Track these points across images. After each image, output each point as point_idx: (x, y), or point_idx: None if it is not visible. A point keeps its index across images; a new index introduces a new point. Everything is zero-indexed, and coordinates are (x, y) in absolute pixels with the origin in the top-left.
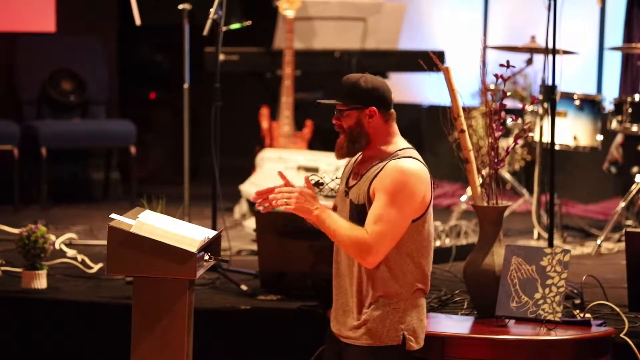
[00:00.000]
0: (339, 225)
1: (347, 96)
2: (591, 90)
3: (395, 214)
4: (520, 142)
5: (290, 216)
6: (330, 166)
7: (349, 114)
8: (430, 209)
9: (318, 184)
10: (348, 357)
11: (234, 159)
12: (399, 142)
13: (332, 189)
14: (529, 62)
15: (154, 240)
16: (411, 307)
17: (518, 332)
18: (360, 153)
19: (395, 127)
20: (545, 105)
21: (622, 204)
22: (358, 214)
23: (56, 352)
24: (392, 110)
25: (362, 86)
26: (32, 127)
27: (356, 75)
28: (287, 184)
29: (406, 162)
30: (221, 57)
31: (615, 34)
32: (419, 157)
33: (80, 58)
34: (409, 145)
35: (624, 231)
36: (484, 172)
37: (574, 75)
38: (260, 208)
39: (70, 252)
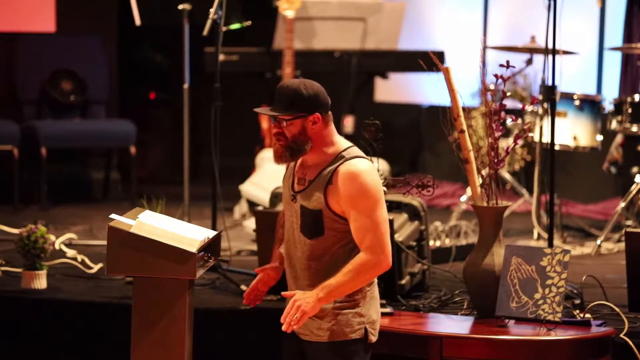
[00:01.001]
0: (340, 282)
1: (290, 105)
2: (591, 90)
3: (375, 215)
4: (520, 142)
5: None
6: None
7: (292, 122)
8: None
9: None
10: (311, 355)
11: (234, 159)
12: (339, 141)
13: None
14: (529, 62)
15: (154, 240)
16: (369, 299)
17: (518, 332)
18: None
19: (333, 128)
20: (545, 105)
21: (622, 204)
22: (314, 219)
23: (56, 352)
24: (330, 112)
25: (304, 93)
26: (32, 127)
27: (295, 82)
28: (254, 287)
29: (358, 164)
30: (221, 57)
31: (615, 34)
32: (362, 153)
33: (80, 58)
34: (349, 143)
35: (624, 231)
36: (484, 172)
37: (574, 76)
38: (248, 306)
39: (70, 252)
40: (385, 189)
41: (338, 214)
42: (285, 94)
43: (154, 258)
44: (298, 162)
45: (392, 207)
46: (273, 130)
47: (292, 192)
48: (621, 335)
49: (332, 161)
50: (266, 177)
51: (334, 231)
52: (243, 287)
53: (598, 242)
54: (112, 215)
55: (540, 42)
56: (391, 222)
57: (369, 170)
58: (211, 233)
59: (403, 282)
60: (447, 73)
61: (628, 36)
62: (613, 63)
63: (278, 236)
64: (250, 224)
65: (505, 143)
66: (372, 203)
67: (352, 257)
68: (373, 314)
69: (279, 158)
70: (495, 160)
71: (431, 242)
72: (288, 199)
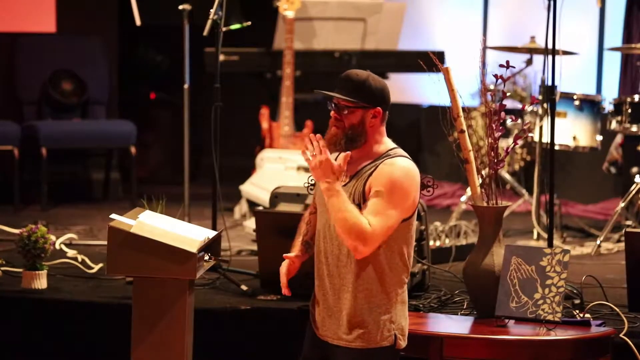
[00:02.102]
0: (345, 205)
1: (355, 92)
2: (591, 90)
3: (391, 211)
4: (520, 142)
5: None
6: None
7: (354, 111)
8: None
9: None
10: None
11: (234, 159)
12: (388, 142)
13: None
14: (529, 62)
15: (154, 240)
16: (400, 304)
17: (518, 332)
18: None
19: (384, 128)
20: (545, 105)
21: (622, 204)
22: None
23: (56, 352)
24: (387, 112)
25: (372, 85)
26: (32, 127)
27: (363, 73)
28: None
29: (402, 162)
30: (221, 57)
31: (614, 35)
32: (407, 154)
33: (80, 58)
34: (397, 146)
35: (623, 231)
36: (484, 172)
37: (574, 76)
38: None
39: (71, 252)
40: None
41: None
42: (352, 80)
43: (154, 258)
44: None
45: None
46: (332, 116)
47: None
48: (621, 335)
49: (377, 159)
50: (266, 178)
51: None
52: (243, 287)
53: (598, 242)
54: (113, 216)
55: (540, 43)
56: None
57: (410, 172)
58: (211, 233)
59: None
60: (447, 73)
61: (628, 36)
62: (613, 63)
63: (301, 231)
64: (250, 224)
65: (505, 143)
66: (397, 200)
67: (391, 261)
68: (402, 319)
69: (333, 145)
70: (495, 161)
71: (431, 242)
72: (323, 199)
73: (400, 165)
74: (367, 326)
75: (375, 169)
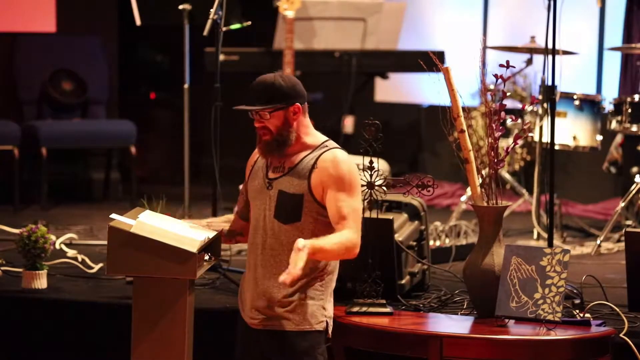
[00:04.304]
0: (328, 249)
1: (269, 98)
2: (591, 90)
3: (355, 202)
4: (520, 142)
5: None
6: None
7: (274, 115)
8: None
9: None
10: (274, 345)
11: (234, 159)
12: (317, 133)
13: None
14: (529, 62)
15: (154, 240)
16: (329, 295)
17: (518, 332)
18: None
19: (309, 120)
20: (545, 105)
21: (622, 204)
22: (293, 204)
23: (56, 352)
24: (306, 103)
25: (283, 85)
26: (32, 127)
27: (270, 76)
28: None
29: (341, 153)
30: (221, 57)
31: (615, 34)
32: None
33: (80, 58)
34: (328, 138)
35: (623, 231)
36: (484, 172)
37: (574, 76)
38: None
39: (71, 252)
40: (385, 188)
41: (318, 200)
42: (262, 88)
43: (154, 258)
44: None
45: (392, 207)
46: (257, 125)
47: (268, 179)
48: (621, 335)
49: (314, 149)
50: None
51: (311, 218)
52: None
53: (598, 242)
54: (113, 215)
55: (540, 42)
56: (391, 222)
57: (349, 160)
58: (211, 233)
59: (403, 282)
60: (447, 73)
61: (628, 36)
62: (613, 63)
63: (227, 220)
64: None
65: (505, 143)
66: (355, 189)
67: None
68: (331, 309)
69: (267, 152)
70: (495, 160)
71: (431, 242)
72: (260, 188)
73: (342, 157)
74: (301, 311)
75: (315, 161)
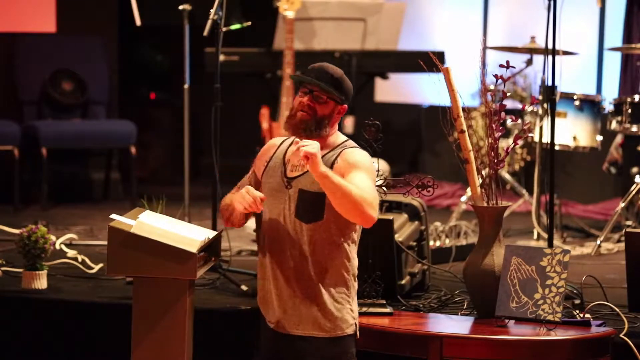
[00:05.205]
0: (344, 185)
1: (333, 85)
2: (591, 90)
3: (372, 183)
4: (520, 142)
5: None
6: None
7: (327, 102)
8: None
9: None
10: (306, 351)
11: (235, 159)
12: (340, 134)
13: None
14: (529, 62)
15: (154, 240)
16: (354, 294)
17: (518, 332)
18: (288, 146)
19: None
20: (545, 105)
21: (622, 204)
22: (315, 202)
23: (56, 352)
24: None
25: (347, 83)
26: (32, 127)
27: (339, 69)
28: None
29: (362, 151)
30: (221, 57)
31: (615, 34)
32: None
33: (80, 58)
34: (348, 138)
35: (623, 231)
36: (484, 172)
37: (574, 76)
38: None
39: (71, 253)
40: (385, 189)
41: None
42: (332, 74)
43: (154, 258)
44: (290, 150)
45: (392, 207)
46: (305, 100)
47: (286, 178)
48: (621, 335)
49: (334, 148)
50: None
51: (333, 216)
52: (243, 287)
53: (598, 242)
54: (113, 216)
55: (540, 43)
56: (391, 222)
57: (368, 156)
58: (211, 233)
59: (403, 282)
60: (447, 73)
61: (628, 36)
62: (613, 63)
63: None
64: (251, 224)
65: (505, 143)
66: (372, 174)
67: (351, 253)
68: (357, 310)
69: (302, 129)
70: (495, 161)
71: (431, 242)
72: (278, 187)
73: (362, 152)
74: (332, 317)
75: (336, 157)
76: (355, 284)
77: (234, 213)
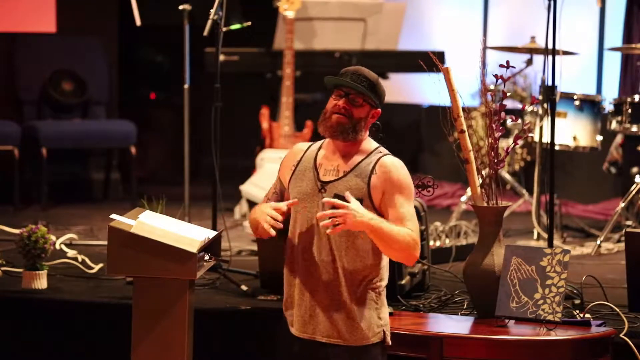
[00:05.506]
0: (392, 228)
1: (370, 89)
2: (591, 90)
3: (413, 209)
4: (520, 142)
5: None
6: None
7: (363, 105)
8: None
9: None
10: (329, 359)
11: (234, 159)
12: (370, 139)
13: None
14: (529, 62)
15: (154, 240)
16: (382, 300)
17: (518, 332)
18: (317, 149)
19: None
20: (545, 105)
21: (622, 204)
22: None
23: (56, 352)
24: None
25: (381, 87)
26: (32, 127)
27: (373, 74)
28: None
29: (398, 160)
30: (221, 57)
31: (615, 35)
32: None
33: (80, 58)
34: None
35: (623, 231)
36: (484, 172)
37: (574, 76)
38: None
39: (71, 253)
40: None
41: (376, 205)
42: (367, 78)
43: (154, 258)
44: (319, 154)
45: None
46: (341, 103)
47: (320, 182)
48: (621, 335)
49: (369, 155)
50: (266, 178)
51: None
52: (243, 287)
53: (598, 242)
54: (113, 216)
55: (540, 43)
56: None
57: (404, 166)
58: (211, 233)
59: (403, 282)
60: (447, 73)
61: (628, 36)
62: (613, 63)
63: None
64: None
65: (505, 143)
66: (412, 197)
67: (382, 259)
68: (386, 317)
69: (339, 132)
70: (495, 161)
71: (431, 242)
72: (310, 191)
73: (398, 163)
74: (359, 323)
75: (373, 167)
76: (385, 290)
77: (258, 227)
